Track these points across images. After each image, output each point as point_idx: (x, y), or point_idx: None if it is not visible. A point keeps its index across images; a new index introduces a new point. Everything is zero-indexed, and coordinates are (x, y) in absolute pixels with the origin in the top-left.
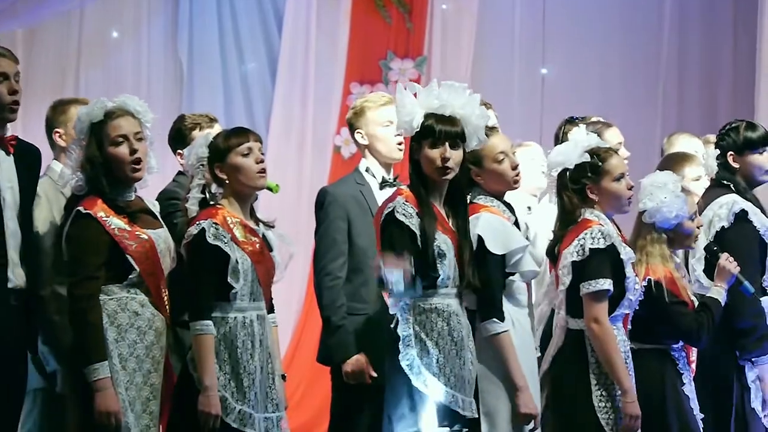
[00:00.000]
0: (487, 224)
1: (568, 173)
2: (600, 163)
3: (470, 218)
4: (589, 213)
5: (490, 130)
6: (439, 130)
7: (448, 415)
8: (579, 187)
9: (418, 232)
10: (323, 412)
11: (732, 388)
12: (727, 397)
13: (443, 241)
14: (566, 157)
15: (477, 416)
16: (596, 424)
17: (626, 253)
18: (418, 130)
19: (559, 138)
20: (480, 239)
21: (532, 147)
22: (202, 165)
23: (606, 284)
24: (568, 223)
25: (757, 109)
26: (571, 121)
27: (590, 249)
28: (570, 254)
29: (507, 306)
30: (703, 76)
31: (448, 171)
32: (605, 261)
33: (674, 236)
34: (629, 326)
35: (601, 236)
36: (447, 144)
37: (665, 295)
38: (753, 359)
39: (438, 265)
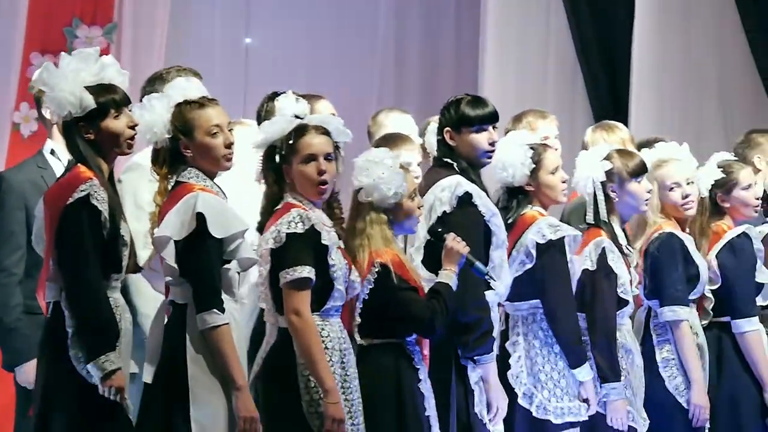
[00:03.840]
0: (207, 204)
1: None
2: (291, 141)
3: (185, 198)
4: (291, 196)
5: (209, 102)
6: (112, 99)
7: None
8: (276, 165)
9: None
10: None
11: (451, 389)
12: (446, 400)
13: (125, 230)
14: (272, 132)
15: None
16: (307, 430)
17: (330, 238)
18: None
19: (261, 115)
20: (200, 219)
21: (251, 127)
22: None
23: (305, 272)
24: (272, 206)
25: (480, 87)
26: (274, 97)
27: (287, 234)
28: (266, 241)
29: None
30: (423, 53)
31: (134, 138)
32: (304, 247)
33: (394, 216)
34: (359, 320)
35: (299, 220)
36: (122, 111)
37: (394, 280)
38: (476, 358)
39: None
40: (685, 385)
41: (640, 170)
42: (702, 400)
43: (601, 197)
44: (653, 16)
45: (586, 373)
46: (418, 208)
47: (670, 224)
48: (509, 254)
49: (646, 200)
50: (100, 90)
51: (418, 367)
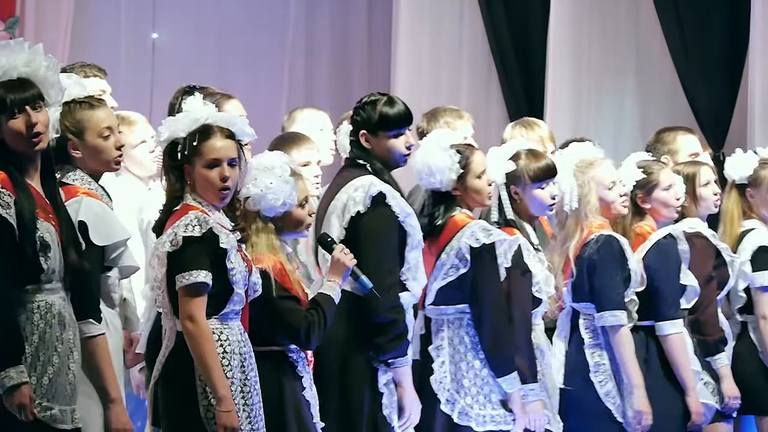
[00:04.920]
0: (90, 210)
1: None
2: (195, 143)
3: (68, 203)
4: (191, 198)
5: (99, 103)
6: (10, 99)
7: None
8: (178, 165)
9: (15, 224)
10: None
11: (363, 392)
12: (357, 403)
13: (46, 230)
14: (170, 129)
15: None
16: None
17: (228, 241)
18: None
19: (175, 108)
20: (82, 227)
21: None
22: None
23: (201, 276)
24: (172, 205)
25: (393, 84)
26: (189, 91)
27: (183, 237)
28: (163, 244)
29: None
30: (334, 50)
31: (39, 136)
32: (201, 251)
33: (283, 224)
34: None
35: (196, 223)
36: (28, 110)
37: (272, 287)
38: (389, 360)
39: (41, 259)
40: (616, 391)
41: (544, 175)
42: (644, 406)
43: (505, 197)
44: (569, 14)
45: (511, 383)
46: (309, 215)
47: (604, 225)
48: (437, 258)
49: (550, 206)
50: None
51: (301, 375)
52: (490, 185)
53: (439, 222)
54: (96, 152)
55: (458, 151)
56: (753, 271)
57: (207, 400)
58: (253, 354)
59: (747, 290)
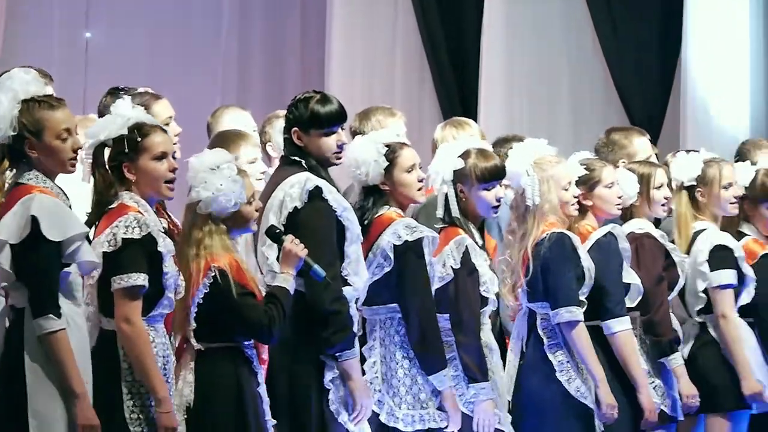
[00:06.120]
0: (42, 206)
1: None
2: (139, 140)
3: (21, 200)
4: (127, 197)
5: (58, 103)
6: None
7: None
8: (116, 164)
9: None
10: None
11: (310, 390)
12: (304, 399)
13: None
14: (105, 130)
15: None
16: None
17: (165, 245)
18: None
19: (102, 111)
20: (35, 223)
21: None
22: None
23: (140, 279)
24: (103, 206)
25: (327, 84)
26: (115, 92)
27: (123, 239)
28: (101, 243)
29: (60, 301)
30: (267, 49)
31: None
32: (140, 253)
33: (232, 223)
34: (194, 324)
35: (136, 225)
36: None
37: (231, 285)
38: (336, 354)
39: None
40: (585, 387)
41: (491, 176)
42: (610, 399)
43: (452, 194)
44: (502, 14)
45: (441, 381)
46: (256, 211)
47: (556, 224)
48: (365, 257)
49: (495, 207)
50: None
51: (256, 371)
52: (420, 181)
53: (366, 221)
54: (52, 153)
55: (386, 145)
56: (711, 270)
57: (132, 401)
58: (173, 357)
59: (706, 291)
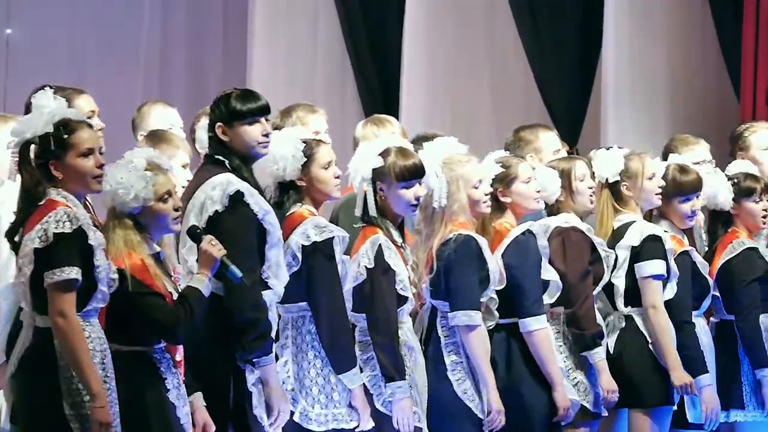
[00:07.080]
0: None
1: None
2: (65, 136)
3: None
4: (55, 193)
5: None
6: None
7: None
8: (42, 161)
9: None
10: None
11: (229, 393)
12: (223, 405)
13: None
14: (30, 128)
15: None
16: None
17: (96, 238)
18: None
19: (29, 109)
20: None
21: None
22: None
23: (73, 273)
24: (31, 203)
25: (249, 80)
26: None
27: (54, 233)
28: (32, 240)
29: None
30: (189, 45)
31: None
32: (72, 247)
33: (144, 221)
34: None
35: (66, 219)
36: None
37: (131, 285)
38: (254, 360)
39: None
40: (473, 390)
41: (410, 175)
42: (499, 405)
43: (370, 192)
44: (424, 11)
45: (352, 379)
46: (175, 209)
47: (466, 224)
48: None
49: (413, 206)
50: None
51: (165, 376)
52: (337, 177)
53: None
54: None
55: (304, 142)
56: (641, 260)
57: (71, 398)
58: (110, 352)
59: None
